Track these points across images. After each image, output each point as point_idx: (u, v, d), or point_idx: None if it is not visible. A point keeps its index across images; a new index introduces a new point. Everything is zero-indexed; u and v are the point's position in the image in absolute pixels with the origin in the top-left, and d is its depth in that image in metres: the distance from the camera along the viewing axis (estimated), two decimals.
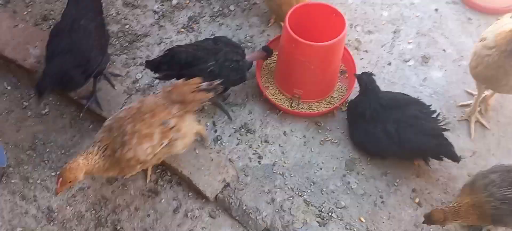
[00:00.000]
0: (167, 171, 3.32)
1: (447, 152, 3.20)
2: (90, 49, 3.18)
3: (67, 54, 3.08)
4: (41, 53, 3.36)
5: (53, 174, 3.23)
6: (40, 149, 3.32)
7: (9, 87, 3.58)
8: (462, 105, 3.66)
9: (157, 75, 3.31)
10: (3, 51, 3.60)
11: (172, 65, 3.26)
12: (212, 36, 3.46)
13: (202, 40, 3.50)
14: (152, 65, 3.28)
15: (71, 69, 3.08)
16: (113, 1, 4.17)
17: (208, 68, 3.25)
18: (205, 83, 2.98)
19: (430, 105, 3.37)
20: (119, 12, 4.12)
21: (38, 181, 3.20)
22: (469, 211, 2.86)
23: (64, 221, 3.07)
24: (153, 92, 3.44)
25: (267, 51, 3.57)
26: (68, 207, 3.12)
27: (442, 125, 3.27)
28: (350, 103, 3.56)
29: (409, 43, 4.02)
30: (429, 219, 2.92)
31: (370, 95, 3.40)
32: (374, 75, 3.45)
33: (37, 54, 3.54)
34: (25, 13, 3.95)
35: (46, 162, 3.28)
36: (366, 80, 3.43)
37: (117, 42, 3.95)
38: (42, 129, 3.24)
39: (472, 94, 3.68)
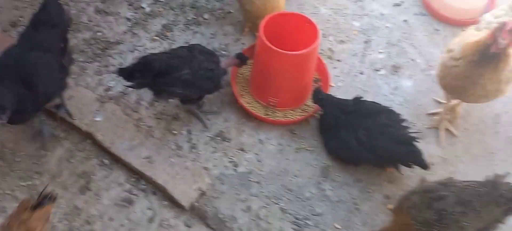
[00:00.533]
0: (141, 180, 3.22)
1: (416, 159, 3.23)
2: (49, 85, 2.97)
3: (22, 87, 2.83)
4: None
5: (22, 184, 3.07)
6: (9, 158, 3.16)
7: None
8: (431, 114, 3.71)
9: (129, 83, 3.18)
10: None
11: (145, 73, 3.13)
12: (187, 44, 3.37)
13: (177, 48, 3.40)
14: (125, 73, 3.14)
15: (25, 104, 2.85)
16: (84, 8, 4.04)
17: (182, 77, 3.16)
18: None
19: (400, 114, 3.40)
20: (91, 19, 3.99)
21: (7, 191, 3.04)
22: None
23: None
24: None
25: (241, 58, 3.50)
26: None
27: (411, 133, 3.31)
28: (320, 115, 3.56)
29: (380, 53, 4.05)
30: None
31: (326, 105, 3.47)
32: (320, 86, 3.59)
33: None
34: None
35: (16, 171, 3.12)
36: (316, 92, 3.51)
37: (89, 49, 3.83)
38: (11, 138, 3.08)
39: (440, 103, 3.73)
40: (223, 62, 3.43)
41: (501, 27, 2.91)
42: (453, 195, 2.73)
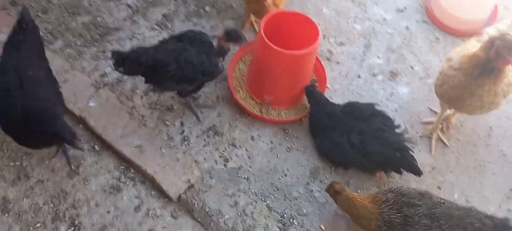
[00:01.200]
0: (130, 169, 3.14)
1: (410, 165, 3.16)
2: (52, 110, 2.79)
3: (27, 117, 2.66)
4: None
5: (11, 164, 3.00)
6: (0, 138, 3.08)
7: None
8: (425, 122, 3.61)
9: (120, 69, 3.03)
10: None
11: (134, 67, 3.02)
12: (178, 33, 3.21)
13: (167, 40, 3.23)
14: (118, 57, 2.99)
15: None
16: None
17: (169, 73, 3.02)
18: None
19: (394, 119, 3.32)
20: (92, 4, 3.90)
21: None
22: (360, 211, 2.84)
23: (20, 212, 2.86)
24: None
25: (229, 34, 3.14)
26: (25, 199, 2.90)
27: (405, 139, 3.22)
28: (310, 115, 3.46)
29: (379, 57, 3.95)
30: (330, 186, 2.97)
31: (320, 103, 3.38)
32: (316, 86, 3.49)
33: (2, 40, 3.29)
34: None
35: (5, 151, 3.05)
36: (311, 89, 3.42)
37: (87, 34, 3.74)
38: None
39: (435, 112, 3.63)
40: (214, 44, 3.20)
41: (508, 45, 2.83)
42: (425, 207, 2.72)
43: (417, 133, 3.54)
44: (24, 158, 3.04)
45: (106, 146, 3.19)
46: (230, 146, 3.33)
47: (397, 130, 3.27)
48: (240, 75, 3.66)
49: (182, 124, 3.38)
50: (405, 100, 3.71)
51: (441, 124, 3.55)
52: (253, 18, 3.91)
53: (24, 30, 2.79)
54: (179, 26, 3.87)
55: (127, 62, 2.99)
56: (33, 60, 2.82)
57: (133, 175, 3.13)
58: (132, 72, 3.10)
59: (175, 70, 3.02)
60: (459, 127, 3.61)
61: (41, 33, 3.51)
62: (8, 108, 2.65)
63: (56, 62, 3.42)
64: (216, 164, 3.24)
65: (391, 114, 3.43)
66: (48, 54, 3.41)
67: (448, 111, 3.53)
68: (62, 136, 2.72)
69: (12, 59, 2.75)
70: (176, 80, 3.11)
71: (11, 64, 2.73)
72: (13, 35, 2.79)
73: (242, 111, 3.48)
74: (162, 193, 3.07)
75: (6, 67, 2.73)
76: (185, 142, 3.30)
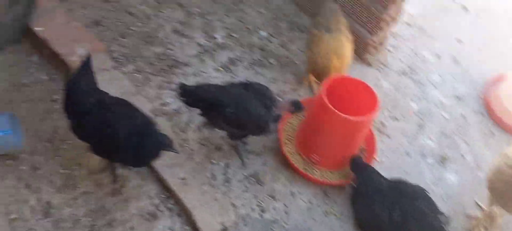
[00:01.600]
0: (171, 199, 3.09)
1: None
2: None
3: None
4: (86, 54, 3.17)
5: (61, 171, 3.02)
6: (57, 143, 3.12)
7: (46, 78, 3.43)
8: (470, 216, 3.38)
9: (182, 98, 3.10)
10: (51, 44, 3.47)
11: (198, 99, 3.09)
12: (246, 81, 3.24)
13: (234, 84, 3.27)
14: (185, 88, 3.07)
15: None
16: (163, 25, 4.05)
17: (225, 114, 3.03)
18: None
19: (439, 207, 3.11)
20: (167, 37, 3.99)
21: (46, 174, 2.99)
22: None
23: (59, 220, 2.84)
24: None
25: (296, 106, 3.20)
26: (67, 208, 2.89)
27: (447, 229, 3.01)
28: (355, 184, 3.31)
29: (431, 139, 3.78)
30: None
31: (367, 172, 3.20)
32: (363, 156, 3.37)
33: (82, 54, 3.40)
34: (79, 14, 3.85)
35: (59, 157, 3.08)
36: (358, 161, 3.28)
37: (157, 63, 3.80)
38: (64, 125, 3.04)
39: (481, 208, 3.40)
40: (278, 105, 3.20)
41: None
42: None
43: (460, 225, 3.31)
44: (74, 167, 3.06)
45: (152, 172, 3.17)
46: (269, 197, 3.23)
47: (440, 217, 3.06)
48: (290, 129, 3.59)
49: (227, 165, 3.32)
50: (452, 189, 3.50)
51: (486, 221, 3.31)
52: (312, 78, 3.86)
53: (84, 72, 2.87)
54: (242, 72, 3.88)
55: (192, 95, 3.04)
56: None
57: (172, 205, 3.07)
58: (193, 104, 3.14)
59: (231, 113, 3.02)
60: (504, 228, 3.35)
61: (116, 55, 3.66)
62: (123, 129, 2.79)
63: (123, 84, 3.47)
64: (253, 212, 3.13)
65: (436, 200, 3.22)
66: (118, 75, 3.52)
67: (495, 210, 3.29)
68: (164, 143, 2.83)
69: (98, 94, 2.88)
70: (229, 122, 3.09)
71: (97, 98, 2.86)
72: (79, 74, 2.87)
73: (286, 164, 3.39)
74: (195, 230, 2.99)
75: (105, 103, 2.86)
76: (227, 184, 3.23)
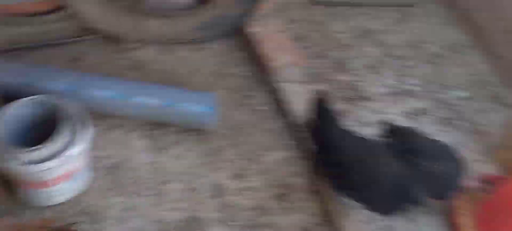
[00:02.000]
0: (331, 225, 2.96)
1: None
2: None
3: None
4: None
5: (238, 160, 3.10)
6: (239, 133, 3.23)
7: (247, 74, 3.58)
8: None
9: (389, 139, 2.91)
10: (259, 46, 3.64)
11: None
12: (444, 143, 2.97)
13: (427, 140, 3.02)
14: (391, 128, 2.94)
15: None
16: (358, 57, 3.98)
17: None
18: None
19: None
20: (358, 69, 3.91)
21: (227, 159, 3.09)
22: None
23: (226, 205, 2.90)
24: None
25: (488, 184, 2.86)
26: (234, 196, 2.95)
27: None
28: None
29: None
30: None
31: None
32: None
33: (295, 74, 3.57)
34: (287, 26, 3.97)
35: (244, 146, 3.16)
36: None
37: (342, 91, 3.74)
38: (249, 120, 3.11)
39: None
40: (470, 178, 2.87)
41: None
42: None
43: None
44: (249, 159, 3.12)
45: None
46: None
47: None
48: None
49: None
50: None
51: None
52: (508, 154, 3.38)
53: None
54: (426, 125, 3.59)
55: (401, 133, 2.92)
56: None
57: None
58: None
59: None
60: None
61: (308, 72, 3.70)
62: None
63: None
64: None
65: None
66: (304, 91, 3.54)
67: None
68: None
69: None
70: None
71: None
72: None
73: None
74: None
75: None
76: None
